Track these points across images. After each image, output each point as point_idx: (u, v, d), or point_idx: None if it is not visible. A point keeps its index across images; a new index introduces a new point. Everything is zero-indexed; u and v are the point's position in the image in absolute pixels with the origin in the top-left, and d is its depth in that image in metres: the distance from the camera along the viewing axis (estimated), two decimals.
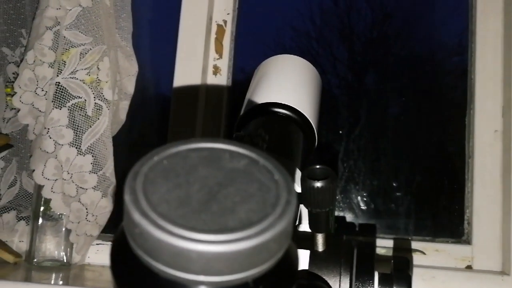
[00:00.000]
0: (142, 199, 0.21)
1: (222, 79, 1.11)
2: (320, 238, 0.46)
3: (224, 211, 0.21)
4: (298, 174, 0.54)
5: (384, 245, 0.99)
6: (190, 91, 1.07)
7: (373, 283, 0.44)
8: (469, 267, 0.96)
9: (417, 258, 0.97)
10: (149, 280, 0.21)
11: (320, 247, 0.46)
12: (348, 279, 0.45)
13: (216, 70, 1.11)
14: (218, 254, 0.19)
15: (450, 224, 1.03)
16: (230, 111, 1.11)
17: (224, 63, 1.12)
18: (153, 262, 0.20)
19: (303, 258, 0.46)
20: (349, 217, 1.06)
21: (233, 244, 0.19)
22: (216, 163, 0.23)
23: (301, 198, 0.42)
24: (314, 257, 0.46)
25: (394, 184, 1.08)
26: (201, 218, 0.20)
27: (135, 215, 0.20)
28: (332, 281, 0.45)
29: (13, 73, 1.00)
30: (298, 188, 0.45)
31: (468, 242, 0.99)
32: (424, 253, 0.98)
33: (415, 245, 0.99)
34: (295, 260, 0.24)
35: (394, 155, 1.11)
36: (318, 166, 0.42)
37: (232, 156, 0.24)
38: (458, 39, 1.11)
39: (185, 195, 0.21)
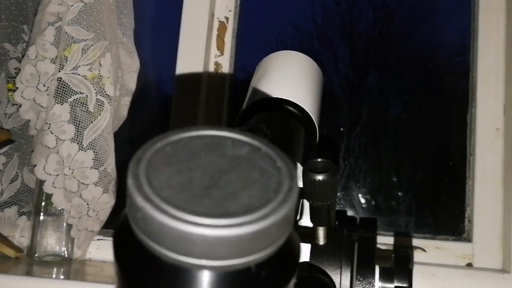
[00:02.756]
0: (145, 184, 0.21)
1: (224, 75, 1.11)
2: (321, 231, 0.46)
3: (226, 196, 0.21)
4: (299, 169, 0.54)
5: (384, 242, 0.99)
6: (192, 87, 1.07)
7: (373, 277, 0.45)
8: (469, 265, 0.96)
9: (417, 255, 0.97)
10: (151, 264, 0.21)
11: (321, 241, 0.46)
12: (349, 272, 0.45)
13: (217, 67, 1.11)
14: (220, 238, 0.20)
15: (451, 221, 1.03)
16: (231, 107, 1.11)
17: (226, 60, 1.12)
18: (156, 246, 0.20)
19: (305, 252, 0.46)
20: (350, 214, 1.06)
21: (236, 228, 0.20)
22: (218, 150, 0.23)
23: (303, 192, 0.42)
24: (315, 251, 0.46)
25: (395, 182, 1.08)
26: (203, 203, 0.20)
27: (138, 199, 0.20)
28: (333, 274, 0.45)
29: (15, 69, 1.01)
30: (299, 183, 0.45)
31: (468, 239, 0.99)
32: (424, 250, 0.98)
33: (415, 242, 0.99)
34: (297, 246, 0.24)
35: (395, 153, 1.11)
36: (319, 160, 0.42)
37: (234, 143, 0.24)
38: (460, 39, 1.11)
39: (187, 181, 0.21)
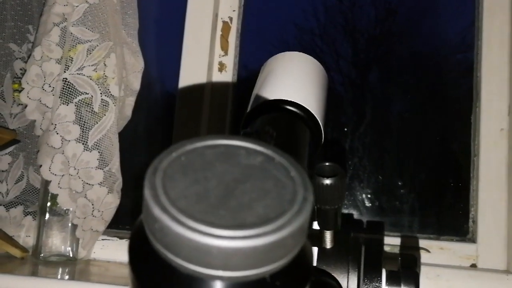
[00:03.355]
0: (162, 194, 0.21)
1: (228, 76, 1.12)
2: (328, 235, 0.46)
3: (242, 206, 0.21)
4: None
5: (389, 242, 0.99)
6: (196, 87, 1.08)
7: (380, 280, 0.45)
8: (473, 266, 0.96)
9: (421, 256, 0.98)
10: (168, 274, 0.21)
11: (328, 244, 0.46)
12: (356, 276, 0.45)
13: (221, 67, 1.12)
14: (237, 249, 0.20)
15: (455, 222, 1.03)
16: (235, 107, 1.11)
17: (230, 60, 1.12)
18: (172, 256, 0.21)
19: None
20: (354, 214, 1.06)
21: (252, 239, 0.20)
22: (233, 160, 0.23)
23: None
24: (322, 254, 0.46)
25: (399, 182, 1.08)
26: (220, 213, 0.21)
27: (155, 210, 0.20)
28: (340, 278, 0.45)
29: (21, 69, 1.01)
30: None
31: (473, 240, 0.99)
32: (428, 251, 0.98)
33: (419, 243, 0.99)
34: (310, 256, 0.24)
35: (399, 153, 1.11)
36: (327, 163, 0.43)
37: (248, 152, 0.24)
38: (462, 36, 1.11)
39: (203, 191, 0.22)
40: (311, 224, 0.49)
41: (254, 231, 0.20)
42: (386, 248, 0.98)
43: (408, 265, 0.47)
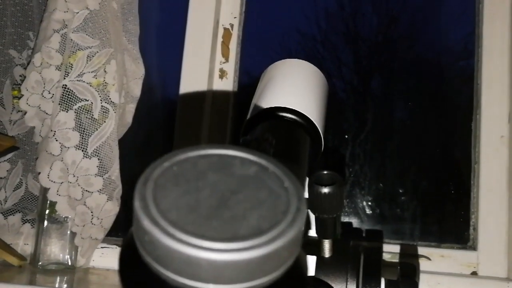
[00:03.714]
0: (152, 206, 0.20)
1: (229, 82, 1.11)
2: (326, 244, 0.46)
3: (235, 218, 0.21)
4: (305, 179, 0.54)
5: (389, 250, 0.98)
6: (197, 94, 1.07)
7: None
8: (474, 273, 0.96)
9: (422, 264, 0.97)
10: (157, 287, 0.21)
11: (327, 253, 0.46)
12: (355, 285, 0.44)
13: (222, 74, 1.11)
14: (228, 262, 0.19)
15: (456, 229, 1.03)
16: (236, 114, 1.11)
17: (231, 67, 1.12)
18: (163, 269, 0.20)
19: (310, 264, 0.45)
20: (354, 222, 1.06)
21: (244, 252, 0.19)
22: (226, 170, 0.23)
23: (308, 204, 0.42)
24: (321, 263, 0.45)
25: (400, 189, 1.08)
26: (212, 225, 0.20)
27: (144, 222, 0.20)
28: (339, 287, 0.44)
29: (20, 76, 1.01)
30: (305, 194, 0.45)
31: (473, 248, 0.98)
32: (429, 259, 0.97)
33: (420, 250, 0.98)
34: (305, 267, 0.24)
35: (400, 160, 1.11)
36: (325, 172, 0.42)
37: (242, 162, 0.23)
38: (464, 44, 1.11)
39: (195, 202, 0.21)
40: (306, 234, 0.48)
41: (246, 244, 0.20)
42: (387, 256, 0.97)
43: (407, 274, 0.46)
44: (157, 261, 0.20)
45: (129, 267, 0.22)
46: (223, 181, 0.22)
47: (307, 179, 0.51)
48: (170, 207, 0.21)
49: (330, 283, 0.44)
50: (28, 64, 0.95)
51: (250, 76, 1.14)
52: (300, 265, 0.23)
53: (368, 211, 1.06)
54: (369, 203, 1.07)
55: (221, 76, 1.11)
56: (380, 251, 0.48)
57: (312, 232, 0.49)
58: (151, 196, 0.21)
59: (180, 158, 0.23)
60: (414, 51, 1.17)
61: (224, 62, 1.12)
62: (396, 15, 1.18)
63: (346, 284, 0.44)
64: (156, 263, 0.20)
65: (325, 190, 0.41)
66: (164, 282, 0.20)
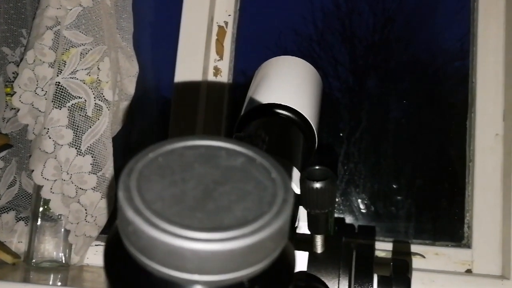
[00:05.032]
0: (136, 197, 0.20)
1: (223, 80, 1.11)
2: (319, 239, 0.45)
3: (220, 209, 0.21)
4: (298, 175, 0.54)
5: (383, 248, 0.98)
6: (191, 92, 1.07)
7: (372, 286, 0.44)
8: (469, 271, 0.96)
9: (416, 262, 0.97)
10: (142, 279, 0.21)
11: (319, 249, 0.46)
12: (347, 281, 0.44)
13: (216, 72, 1.11)
14: (212, 252, 0.19)
15: (450, 227, 1.03)
16: (230, 112, 1.11)
17: (225, 65, 1.11)
18: (147, 260, 0.20)
19: (302, 260, 0.45)
20: (349, 220, 1.06)
21: (228, 242, 0.19)
22: (213, 161, 0.23)
23: (301, 199, 0.42)
24: (313, 259, 0.45)
25: (395, 187, 1.08)
26: (196, 216, 0.20)
27: (128, 213, 0.20)
28: (331, 283, 0.44)
29: (13, 73, 1.00)
30: (297, 190, 0.45)
31: (468, 246, 0.98)
32: (423, 257, 0.97)
33: (415, 248, 0.98)
34: (291, 260, 0.24)
35: (395, 158, 1.11)
36: (317, 167, 0.42)
37: (228, 154, 0.23)
38: (459, 44, 1.11)
39: (180, 193, 0.21)
40: (293, 227, 0.48)
41: (231, 234, 0.19)
42: (381, 254, 0.97)
43: (400, 271, 0.46)
44: (141, 252, 0.20)
45: (113, 259, 0.22)
46: (209, 173, 0.22)
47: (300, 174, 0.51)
48: (155, 198, 0.20)
49: (322, 279, 0.44)
50: (21, 61, 0.94)
51: (245, 74, 1.14)
52: (287, 257, 0.23)
53: (363, 209, 1.06)
54: (364, 201, 1.07)
55: (215, 74, 1.11)
56: (372, 247, 0.48)
57: (305, 228, 0.49)
58: (135, 187, 0.21)
59: (165, 149, 0.23)
60: (409, 50, 1.17)
61: (218, 60, 1.12)
62: (392, 15, 1.18)
63: (338, 280, 0.44)
64: (141, 254, 0.20)
65: (317, 185, 0.40)
66: (149, 273, 0.20)
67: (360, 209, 1.06)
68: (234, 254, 0.19)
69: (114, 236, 0.22)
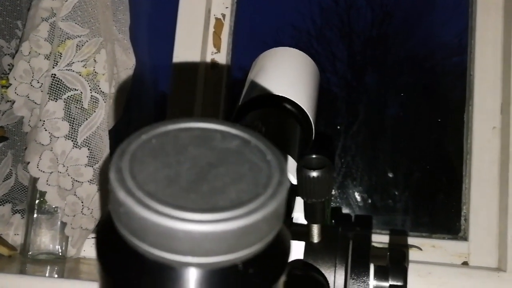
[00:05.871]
0: (128, 178, 0.20)
1: (220, 73, 1.11)
2: (315, 229, 0.45)
3: (214, 191, 0.20)
4: (295, 166, 0.54)
5: (380, 240, 0.98)
6: (188, 85, 1.07)
7: (368, 275, 0.44)
8: (465, 263, 0.96)
9: (413, 254, 0.97)
10: (134, 261, 0.20)
11: (316, 238, 0.45)
12: (344, 270, 0.44)
13: (214, 64, 1.11)
14: (205, 233, 0.19)
15: (447, 220, 1.03)
16: (228, 105, 1.10)
17: (222, 57, 1.11)
18: (139, 242, 0.20)
19: (299, 249, 0.45)
20: (346, 212, 1.06)
21: (222, 223, 0.19)
22: (207, 143, 0.22)
23: (297, 188, 0.42)
24: (310, 248, 0.45)
25: (392, 180, 1.07)
26: (190, 197, 0.20)
27: (120, 194, 0.19)
28: (327, 272, 0.44)
29: (8, 65, 0.99)
30: (294, 180, 0.44)
31: (464, 238, 0.98)
32: (420, 249, 0.97)
33: (411, 241, 0.99)
34: (287, 244, 0.23)
35: (392, 152, 1.11)
36: (314, 156, 0.42)
37: (223, 136, 0.23)
38: (458, 39, 1.11)
39: (174, 175, 0.21)
40: (289, 210, 0.48)
41: (224, 215, 0.19)
42: (378, 246, 0.97)
43: (396, 260, 0.46)
44: (133, 234, 0.20)
45: (105, 241, 0.22)
46: (204, 155, 0.22)
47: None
48: (148, 180, 0.20)
49: (319, 268, 0.44)
50: (16, 53, 0.93)
51: (242, 67, 1.14)
52: (282, 240, 0.23)
53: (360, 202, 1.06)
54: (361, 194, 1.07)
55: (212, 67, 1.10)
56: (369, 237, 0.47)
57: (301, 219, 0.49)
58: (128, 169, 0.20)
59: (159, 131, 0.23)
60: (408, 45, 1.17)
61: (215, 53, 1.11)
62: (391, 10, 1.18)
63: (335, 269, 0.44)
64: (133, 236, 0.20)
65: (314, 173, 0.40)
66: (141, 256, 0.20)
67: (357, 202, 1.06)
68: (227, 236, 0.19)
69: (106, 220, 0.22)
